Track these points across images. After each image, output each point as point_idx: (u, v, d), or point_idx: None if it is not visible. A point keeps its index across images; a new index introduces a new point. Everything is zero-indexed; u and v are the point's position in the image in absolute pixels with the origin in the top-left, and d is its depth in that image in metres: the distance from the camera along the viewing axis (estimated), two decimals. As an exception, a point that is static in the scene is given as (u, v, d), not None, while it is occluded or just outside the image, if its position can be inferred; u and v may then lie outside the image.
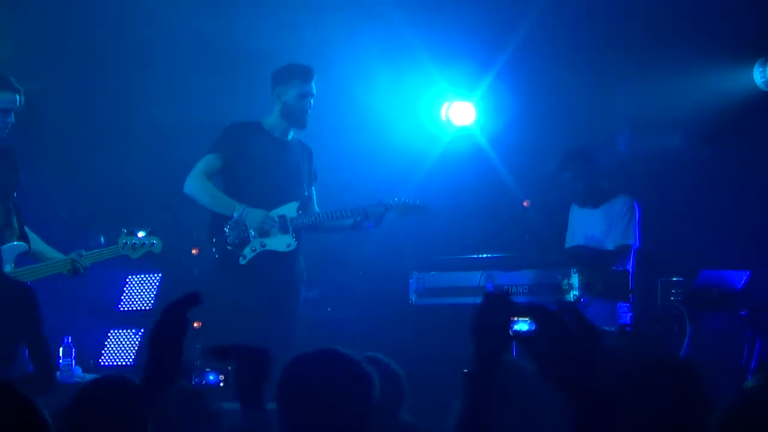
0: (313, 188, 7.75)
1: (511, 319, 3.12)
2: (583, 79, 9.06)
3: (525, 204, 9.52)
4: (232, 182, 7.48)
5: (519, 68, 9.20)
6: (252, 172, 7.45)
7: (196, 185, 7.39)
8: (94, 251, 7.15)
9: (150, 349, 3.44)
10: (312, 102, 7.53)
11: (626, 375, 3.60)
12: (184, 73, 9.08)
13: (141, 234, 7.19)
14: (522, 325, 3.09)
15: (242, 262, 7.37)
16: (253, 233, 7.37)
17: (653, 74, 8.90)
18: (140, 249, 7.20)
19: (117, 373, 7.69)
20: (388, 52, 9.22)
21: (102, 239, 7.68)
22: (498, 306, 3.20)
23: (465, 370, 3.20)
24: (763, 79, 8.90)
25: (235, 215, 7.34)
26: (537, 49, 9.12)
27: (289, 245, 7.45)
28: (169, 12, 8.78)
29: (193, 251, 8.69)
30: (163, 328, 3.43)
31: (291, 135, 7.61)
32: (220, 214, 7.42)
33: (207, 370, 5.39)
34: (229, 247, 7.36)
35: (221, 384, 5.40)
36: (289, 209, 7.48)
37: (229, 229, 7.35)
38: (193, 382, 5.28)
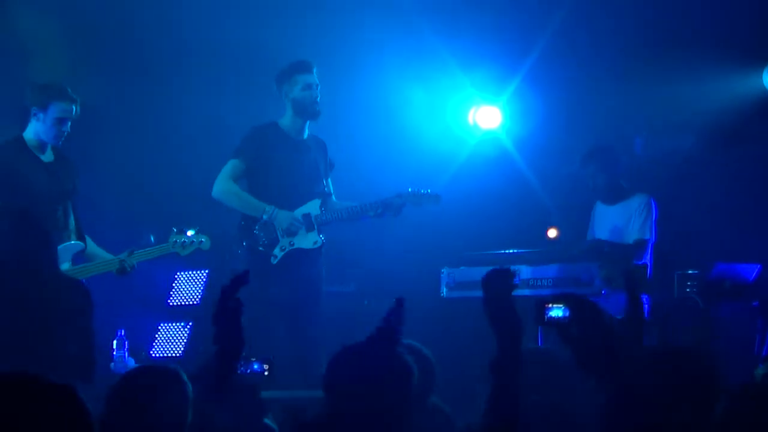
0: (329, 180, 7.82)
1: (546, 305, 3.27)
2: (603, 84, 9.13)
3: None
4: (255, 184, 7.62)
5: (543, 74, 9.28)
6: (274, 175, 7.58)
7: (225, 189, 7.54)
8: (146, 249, 7.23)
9: (215, 330, 3.84)
10: (319, 91, 7.56)
11: (648, 362, 3.65)
12: (227, 77, 9.22)
13: (190, 232, 7.25)
14: (556, 312, 3.25)
15: (274, 262, 7.52)
16: (281, 232, 7.51)
17: (668, 78, 8.95)
18: (189, 247, 7.27)
19: (155, 363, 7.76)
20: (417, 59, 9.32)
21: (152, 238, 7.85)
22: (497, 278, 3.39)
23: (489, 361, 3.39)
24: (771, 83, 8.97)
25: (264, 217, 7.48)
26: (561, 55, 9.22)
27: (315, 242, 7.60)
28: (210, 18, 8.96)
29: None
30: (222, 309, 3.91)
31: (306, 133, 7.68)
32: (248, 215, 7.54)
33: (252, 359, 5.60)
34: (260, 248, 7.51)
35: (266, 373, 5.63)
36: (312, 207, 7.62)
37: (259, 230, 7.50)
38: (239, 371, 5.53)
